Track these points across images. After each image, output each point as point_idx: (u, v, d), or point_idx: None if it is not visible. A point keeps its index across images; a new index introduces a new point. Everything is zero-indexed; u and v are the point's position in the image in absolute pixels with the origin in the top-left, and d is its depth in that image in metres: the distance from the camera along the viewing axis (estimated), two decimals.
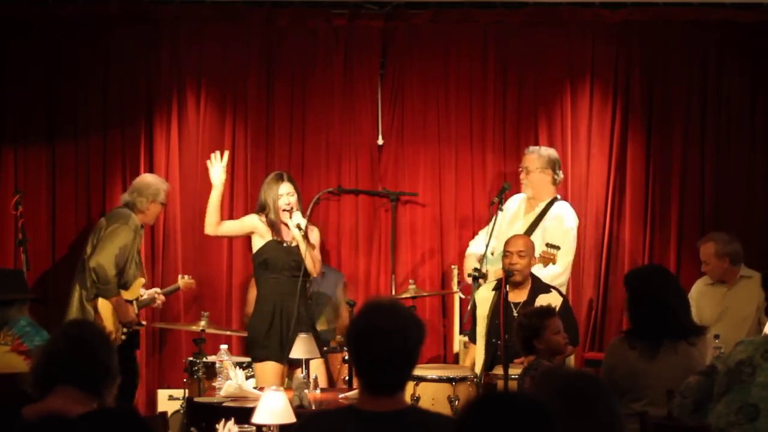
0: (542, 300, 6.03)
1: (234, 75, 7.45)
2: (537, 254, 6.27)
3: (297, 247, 6.07)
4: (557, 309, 5.96)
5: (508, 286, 5.79)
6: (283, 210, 6.06)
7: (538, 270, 6.28)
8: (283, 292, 6.02)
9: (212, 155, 6.25)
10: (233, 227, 6.28)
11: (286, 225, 6.08)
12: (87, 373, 3.08)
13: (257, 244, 6.16)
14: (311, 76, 7.46)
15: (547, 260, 6.20)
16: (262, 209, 6.14)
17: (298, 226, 6.00)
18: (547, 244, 6.25)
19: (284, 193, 6.07)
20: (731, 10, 7.29)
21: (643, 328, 4.80)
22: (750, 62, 7.41)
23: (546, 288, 6.12)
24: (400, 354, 2.89)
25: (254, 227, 6.14)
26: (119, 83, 7.37)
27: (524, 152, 6.87)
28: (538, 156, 6.75)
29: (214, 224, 6.15)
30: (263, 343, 5.97)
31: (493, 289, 6.18)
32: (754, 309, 6.50)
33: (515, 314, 5.92)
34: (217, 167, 6.17)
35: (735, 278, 6.59)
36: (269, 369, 5.82)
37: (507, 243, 6.17)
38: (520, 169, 6.84)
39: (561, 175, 6.80)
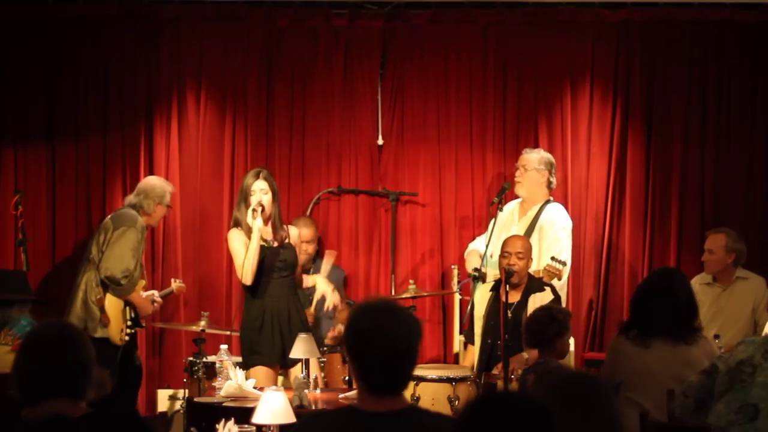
0: (535, 299, 6.03)
1: (234, 75, 7.45)
2: (542, 267, 6.28)
3: (281, 246, 5.85)
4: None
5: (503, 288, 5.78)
6: (253, 209, 5.74)
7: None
8: (272, 294, 5.81)
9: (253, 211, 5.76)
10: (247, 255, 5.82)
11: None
12: (65, 382, 2.99)
13: (238, 247, 5.83)
14: (311, 76, 7.46)
15: (552, 275, 6.20)
16: (237, 223, 5.82)
17: (260, 203, 5.71)
18: (553, 258, 6.25)
19: (257, 190, 5.78)
20: (731, 10, 7.30)
21: (638, 318, 4.95)
22: (750, 62, 7.41)
23: (540, 287, 6.11)
24: (403, 354, 2.88)
25: (244, 244, 5.78)
26: (119, 83, 7.37)
27: (522, 152, 6.91)
28: (538, 157, 6.82)
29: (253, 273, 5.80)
30: (253, 349, 5.79)
31: (490, 290, 6.18)
32: (749, 311, 6.51)
33: (509, 314, 5.92)
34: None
35: (731, 279, 6.59)
36: (260, 374, 5.74)
37: (505, 243, 6.15)
38: (517, 167, 6.87)
39: (555, 181, 6.84)
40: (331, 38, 7.47)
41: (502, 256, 6.09)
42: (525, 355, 5.82)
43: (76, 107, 7.36)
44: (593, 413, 2.57)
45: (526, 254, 6.10)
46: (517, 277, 5.99)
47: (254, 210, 5.74)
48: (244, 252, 5.75)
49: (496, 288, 6.10)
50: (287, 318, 5.80)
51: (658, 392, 4.72)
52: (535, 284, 6.12)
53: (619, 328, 5.07)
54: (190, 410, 5.34)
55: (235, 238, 5.82)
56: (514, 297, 6.05)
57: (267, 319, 5.78)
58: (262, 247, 5.78)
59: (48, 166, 7.35)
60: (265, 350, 5.78)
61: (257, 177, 5.83)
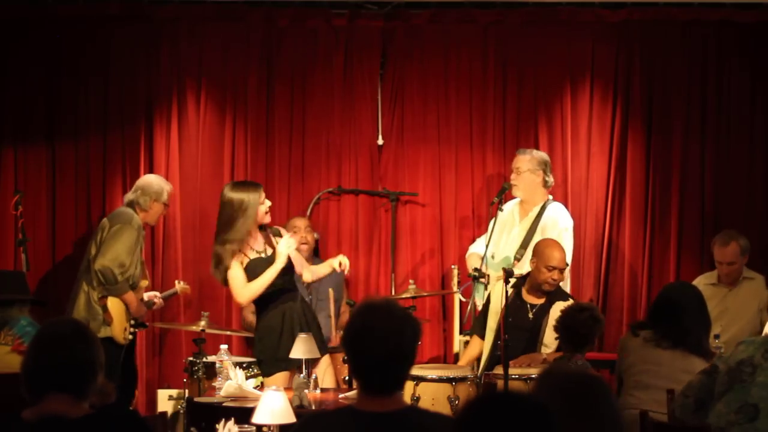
0: (559, 307, 5.98)
1: (234, 75, 7.45)
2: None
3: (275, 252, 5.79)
4: None
5: (527, 287, 6.02)
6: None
7: None
8: (283, 299, 5.78)
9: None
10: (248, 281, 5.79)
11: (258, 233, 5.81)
12: (71, 378, 3.00)
13: (239, 271, 5.76)
14: (311, 76, 7.46)
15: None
16: (225, 240, 5.74)
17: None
18: None
19: (264, 201, 5.77)
20: (731, 10, 7.30)
21: (653, 321, 5.13)
22: (750, 62, 7.41)
23: (564, 296, 6.07)
24: (398, 354, 2.89)
25: (240, 263, 5.76)
26: (119, 83, 7.37)
27: (516, 153, 6.88)
28: (529, 157, 6.75)
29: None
30: (277, 356, 5.71)
31: (511, 287, 6.08)
32: (756, 310, 6.49)
33: (530, 316, 5.92)
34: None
35: (739, 279, 6.58)
36: (282, 379, 5.71)
37: (548, 257, 5.99)
38: (511, 169, 6.85)
39: (552, 178, 6.78)
40: (331, 38, 7.47)
41: (546, 269, 5.98)
42: (544, 354, 5.82)
43: (76, 107, 7.36)
44: (594, 412, 2.57)
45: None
46: (552, 287, 6.02)
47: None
48: (243, 275, 5.69)
49: (516, 285, 6.07)
50: (302, 315, 5.78)
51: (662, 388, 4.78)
52: (560, 292, 6.09)
53: (630, 327, 5.25)
54: (190, 410, 5.34)
55: (236, 264, 5.73)
56: (539, 299, 6.04)
57: (287, 325, 5.73)
58: (260, 258, 5.75)
59: (48, 166, 7.35)
60: (286, 356, 5.62)
61: (259, 189, 5.77)
